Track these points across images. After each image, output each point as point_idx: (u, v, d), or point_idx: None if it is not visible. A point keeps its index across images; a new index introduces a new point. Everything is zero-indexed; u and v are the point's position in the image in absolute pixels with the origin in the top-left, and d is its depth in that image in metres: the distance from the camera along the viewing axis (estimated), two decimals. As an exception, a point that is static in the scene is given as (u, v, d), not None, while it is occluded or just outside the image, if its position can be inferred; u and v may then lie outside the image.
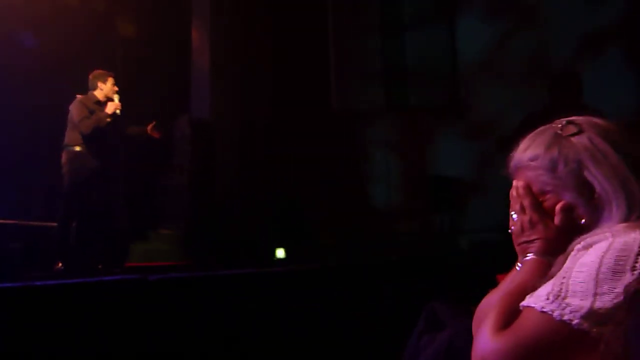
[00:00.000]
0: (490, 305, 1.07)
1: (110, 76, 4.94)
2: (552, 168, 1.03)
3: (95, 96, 4.89)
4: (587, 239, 0.94)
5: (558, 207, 1.04)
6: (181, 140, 6.89)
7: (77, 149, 4.79)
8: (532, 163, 1.07)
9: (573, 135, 1.03)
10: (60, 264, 4.68)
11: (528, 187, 1.08)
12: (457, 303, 1.83)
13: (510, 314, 0.94)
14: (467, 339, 1.61)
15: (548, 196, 1.06)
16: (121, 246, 5.23)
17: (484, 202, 6.22)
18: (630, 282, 0.84)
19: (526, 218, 1.08)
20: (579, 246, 0.94)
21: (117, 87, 4.93)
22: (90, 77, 4.96)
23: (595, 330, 0.83)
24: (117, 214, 5.12)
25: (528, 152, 1.08)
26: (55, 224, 4.85)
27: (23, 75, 5.53)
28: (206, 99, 7.00)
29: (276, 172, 6.98)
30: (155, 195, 6.83)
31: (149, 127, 5.23)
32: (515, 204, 1.10)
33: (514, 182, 1.12)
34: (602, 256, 0.87)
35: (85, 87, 4.99)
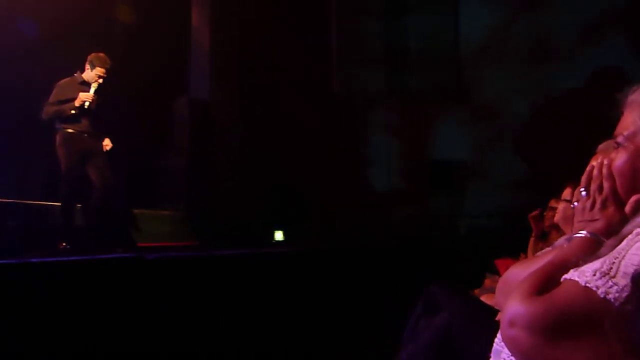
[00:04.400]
0: (517, 275, 1.04)
1: (102, 66, 4.74)
2: None
3: (81, 77, 4.83)
4: None
5: (633, 198, 1.01)
6: (180, 122, 6.86)
7: (69, 130, 4.75)
8: None
9: None
10: (64, 244, 4.66)
11: (612, 169, 1.06)
12: (456, 287, 1.83)
13: (547, 282, 0.91)
14: (462, 326, 1.61)
15: (623, 142, 1.03)
16: (127, 227, 5.19)
17: (484, 187, 6.23)
18: None
19: (600, 198, 1.06)
20: (639, 229, 0.89)
21: (104, 78, 4.70)
22: (89, 57, 4.88)
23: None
24: (116, 194, 5.10)
25: None
26: (56, 204, 4.85)
27: (21, 56, 5.49)
28: (205, 80, 6.95)
29: (276, 155, 6.96)
30: (155, 177, 6.82)
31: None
32: (593, 182, 1.08)
33: (600, 158, 1.08)
34: None
35: (83, 68, 4.92)
